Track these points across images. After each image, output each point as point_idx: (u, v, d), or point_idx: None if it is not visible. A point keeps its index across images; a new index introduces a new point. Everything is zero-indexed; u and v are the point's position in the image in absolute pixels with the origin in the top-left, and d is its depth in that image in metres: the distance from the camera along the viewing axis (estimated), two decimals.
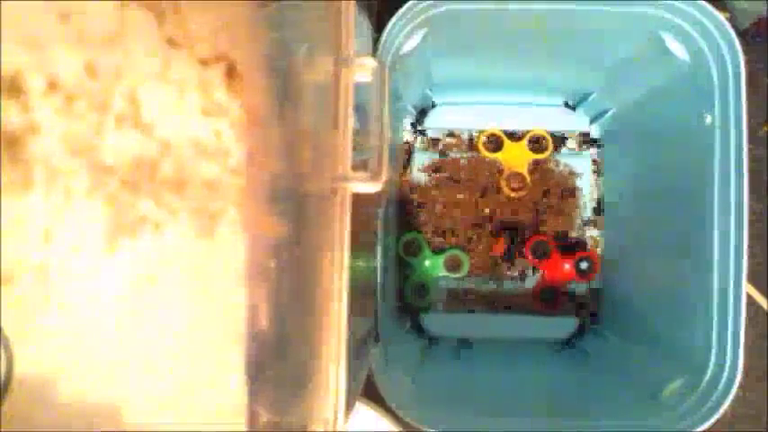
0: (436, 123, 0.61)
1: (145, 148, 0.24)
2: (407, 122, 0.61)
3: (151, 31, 0.25)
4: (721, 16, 0.40)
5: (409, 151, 0.61)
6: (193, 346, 0.25)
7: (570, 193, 0.61)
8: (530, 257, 0.59)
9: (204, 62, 0.25)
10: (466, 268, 0.59)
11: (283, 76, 0.27)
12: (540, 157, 0.60)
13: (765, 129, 0.59)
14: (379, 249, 0.46)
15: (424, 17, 0.42)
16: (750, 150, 0.39)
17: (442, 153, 0.61)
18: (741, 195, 0.39)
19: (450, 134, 0.61)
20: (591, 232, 0.61)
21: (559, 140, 0.61)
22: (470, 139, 0.61)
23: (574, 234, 0.60)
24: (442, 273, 0.59)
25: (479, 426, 0.42)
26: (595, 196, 0.61)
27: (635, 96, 0.53)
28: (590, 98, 0.58)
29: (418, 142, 0.61)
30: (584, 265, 0.59)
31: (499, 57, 0.52)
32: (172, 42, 0.25)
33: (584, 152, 0.61)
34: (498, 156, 0.60)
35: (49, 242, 0.23)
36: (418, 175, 0.61)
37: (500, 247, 0.59)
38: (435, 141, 0.61)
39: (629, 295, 0.56)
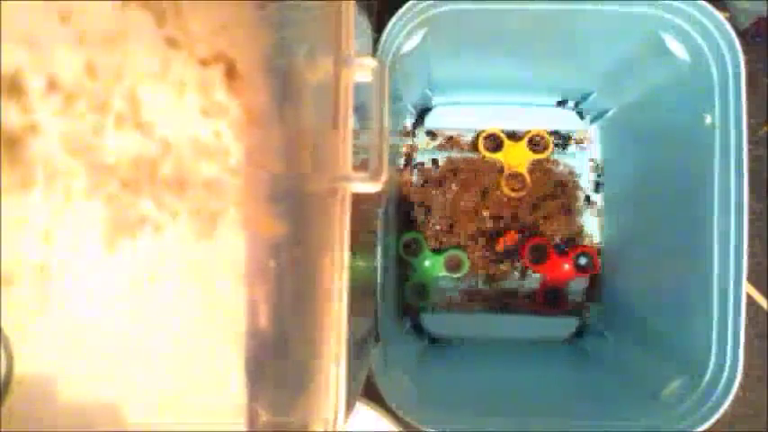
0: (436, 123, 0.61)
1: (145, 148, 0.24)
2: (407, 122, 0.61)
3: (151, 31, 0.25)
4: (721, 16, 0.40)
5: (409, 151, 0.61)
6: (193, 346, 0.25)
7: (570, 192, 0.61)
8: (527, 262, 0.59)
9: (204, 62, 0.25)
10: (466, 268, 0.59)
11: (283, 76, 0.27)
12: (540, 157, 0.60)
13: (765, 129, 0.59)
14: (379, 249, 0.46)
15: (424, 17, 0.42)
16: (750, 150, 0.39)
17: (442, 153, 0.61)
18: (741, 195, 0.39)
19: (450, 134, 0.61)
20: (591, 232, 0.61)
21: (559, 140, 0.61)
22: (470, 139, 0.61)
23: (573, 234, 0.60)
24: (442, 273, 0.59)
25: (479, 426, 0.42)
26: (595, 196, 0.61)
27: (635, 96, 0.53)
28: (590, 98, 0.58)
29: (418, 142, 0.61)
30: (583, 261, 0.59)
31: (499, 57, 0.52)
32: (172, 42, 0.25)
33: (584, 152, 0.61)
34: (498, 156, 0.60)
35: (49, 242, 0.23)
36: (418, 174, 0.61)
37: (511, 238, 0.59)
38: (435, 141, 0.61)
39: (629, 295, 0.56)
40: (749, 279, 0.45)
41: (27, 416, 0.24)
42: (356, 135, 0.29)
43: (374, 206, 0.46)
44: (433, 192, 0.61)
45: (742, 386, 0.39)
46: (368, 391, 0.43)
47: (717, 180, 0.40)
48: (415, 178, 0.61)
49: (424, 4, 0.41)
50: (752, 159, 0.39)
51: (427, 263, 0.59)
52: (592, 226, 0.61)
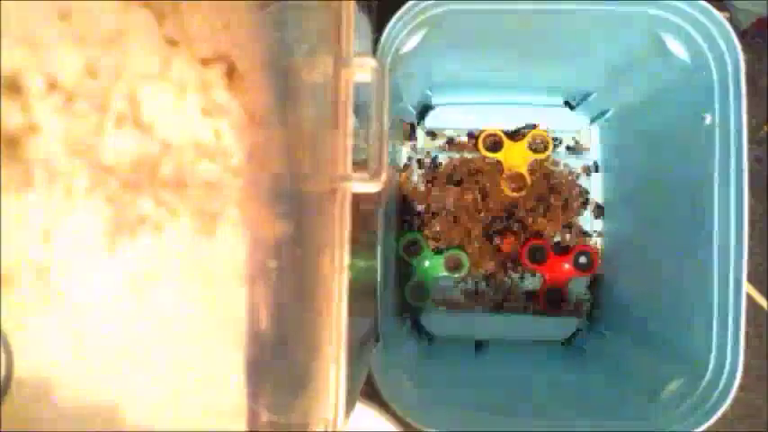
0: (436, 123, 0.61)
1: (145, 148, 0.24)
2: (407, 122, 0.61)
3: (151, 31, 0.25)
4: (721, 16, 0.40)
5: (409, 151, 0.61)
6: (193, 346, 0.25)
7: (570, 192, 0.61)
8: (527, 262, 0.59)
9: (204, 62, 0.25)
10: (466, 268, 0.59)
11: (283, 76, 0.27)
12: (540, 157, 0.60)
13: (765, 129, 0.59)
14: (379, 249, 0.46)
15: (424, 17, 0.42)
16: (750, 150, 0.39)
17: (442, 153, 0.61)
18: (741, 195, 0.39)
19: (450, 134, 0.61)
20: (591, 232, 0.61)
21: (559, 140, 0.61)
22: (470, 139, 0.61)
23: (573, 234, 0.60)
24: (442, 273, 0.59)
25: (480, 426, 0.42)
26: (595, 196, 0.61)
27: (635, 96, 0.53)
28: (590, 98, 0.58)
29: (418, 142, 0.61)
30: (582, 260, 0.59)
31: (499, 57, 0.52)
32: (172, 42, 0.25)
33: (584, 152, 0.61)
34: (498, 156, 0.60)
35: (48, 242, 0.23)
36: (418, 175, 0.61)
37: (508, 245, 0.59)
38: (436, 141, 0.61)
39: (629, 295, 0.56)
40: (749, 279, 0.45)
41: (27, 416, 0.24)
42: (356, 135, 0.29)
43: (374, 206, 0.46)
44: (434, 192, 0.61)
45: (742, 386, 0.39)
46: (368, 391, 0.43)
47: (717, 180, 0.40)
48: (415, 178, 0.61)
49: (424, 4, 0.41)
50: (752, 159, 0.39)
51: (427, 263, 0.59)
52: (592, 226, 0.61)
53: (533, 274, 0.60)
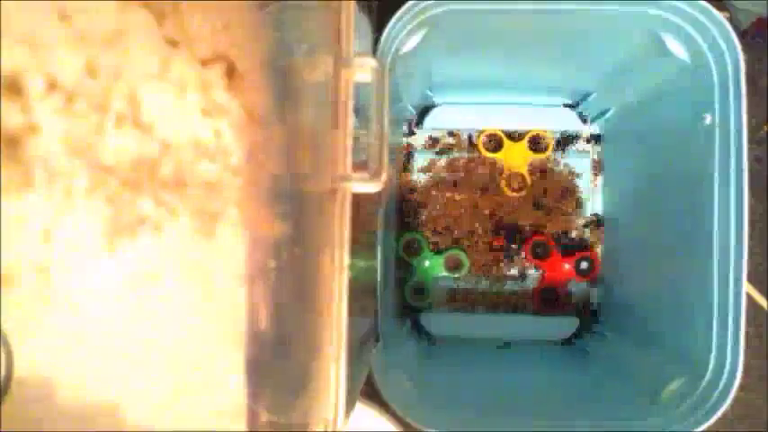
0: (436, 123, 0.61)
1: (145, 148, 0.24)
2: (407, 122, 0.61)
3: (151, 31, 0.25)
4: (721, 16, 0.40)
5: (409, 151, 0.61)
6: (193, 346, 0.25)
7: (570, 193, 0.61)
8: (529, 257, 0.59)
9: (204, 62, 0.25)
10: (466, 268, 0.59)
11: (283, 76, 0.27)
12: (540, 157, 0.60)
13: (765, 129, 0.59)
14: (379, 249, 0.46)
15: (424, 17, 0.42)
16: (750, 150, 0.39)
17: (442, 153, 0.61)
18: (741, 195, 0.39)
19: (450, 134, 0.61)
20: (591, 232, 0.61)
21: (559, 140, 0.61)
22: (470, 139, 0.61)
23: (574, 234, 0.60)
24: (442, 273, 0.59)
25: (480, 426, 0.42)
26: (595, 196, 0.61)
27: (635, 96, 0.53)
28: (590, 98, 0.58)
29: (418, 142, 0.61)
30: (584, 266, 0.59)
31: (499, 57, 0.52)
32: (172, 42, 0.25)
33: (584, 152, 0.61)
34: (498, 156, 0.60)
35: (48, 242, 0.23)
36: (418, 175, 0.61)
37: (500, 240, 0.59)
38: (435, 141, 0.61)
39: (629, 295, 0.56)
40: (749, 279, 0.45)
41: (27, 416, 0.24)
42: (356, 135, 0.29)
43: (374, 206, 0.46)
44: (433, 192, 0.61)
45: (742, 386, 0.39)
46: (368, 391, 0.43)
47: (717, 180, 0.40)
48: (414, 178, 0.61)
49: (424, 4, 0.41)
50: (752, 159, 0.39)
51: (427, 263, 0.59)
52: (592, 226, 0.61)
53: (533, 272, 0.60)
